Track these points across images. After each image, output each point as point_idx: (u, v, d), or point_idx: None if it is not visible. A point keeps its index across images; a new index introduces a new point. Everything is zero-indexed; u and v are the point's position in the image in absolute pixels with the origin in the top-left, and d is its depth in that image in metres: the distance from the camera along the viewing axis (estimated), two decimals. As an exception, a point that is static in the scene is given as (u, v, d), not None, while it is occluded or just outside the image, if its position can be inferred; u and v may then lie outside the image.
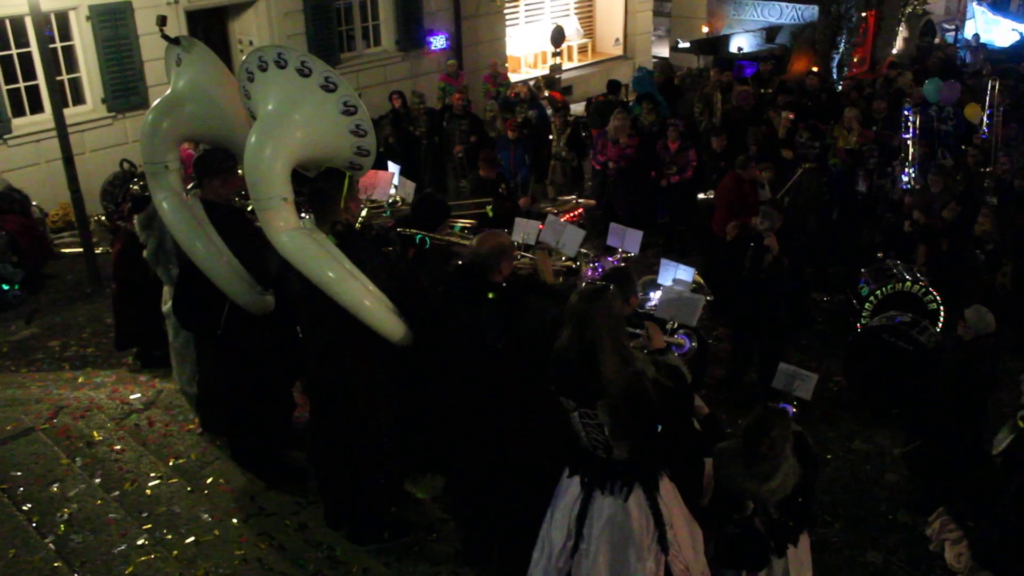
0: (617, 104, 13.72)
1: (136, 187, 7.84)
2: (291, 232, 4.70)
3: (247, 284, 5.46)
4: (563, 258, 7.02)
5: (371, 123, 4.99)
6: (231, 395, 5.86)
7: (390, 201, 7.33)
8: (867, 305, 9.03)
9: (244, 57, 4.92)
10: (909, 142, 11.52)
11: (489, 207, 8.21)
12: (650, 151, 11.55)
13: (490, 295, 4.72)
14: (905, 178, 11.12)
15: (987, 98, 12.44)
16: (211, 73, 5.52)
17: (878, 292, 9.00)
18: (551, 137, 12.70)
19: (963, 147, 12.16)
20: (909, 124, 11.77)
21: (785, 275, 7.92)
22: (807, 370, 5.86)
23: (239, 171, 5.54)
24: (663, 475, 4.39)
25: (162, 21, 5.62)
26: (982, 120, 12.35)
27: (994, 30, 22.21)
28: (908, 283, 8.96)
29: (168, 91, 5.64)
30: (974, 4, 23.22)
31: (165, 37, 5.50)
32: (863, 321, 9.00)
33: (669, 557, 4.32)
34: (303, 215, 5.20)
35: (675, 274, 7.60)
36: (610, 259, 7.78)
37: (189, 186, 5.88)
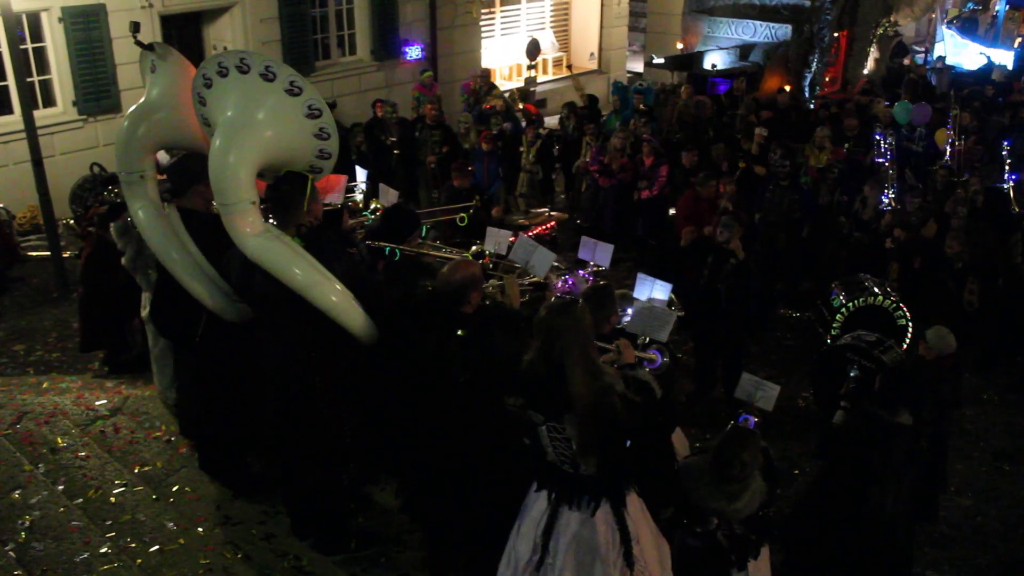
0: (592, 118, 13.82)
1: (112, 194, 7.78)
2: (259, 235, 4.69)
3: (223, 293, 5.42)
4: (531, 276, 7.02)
5: (335, 126, 4.98)
6: (208, 403, 5.81)
7: (373, 209, 7.33)
8: (838, 317, 9.13)
9: (203, 64, 4.88)
10: (886, 164, 11.69)
11: (461, 214, 8.21)
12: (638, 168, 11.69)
13: (460, 332, 4.73)
14: (885, 199, 11.30)
15: (950, 121, 12.68)
16: (185, 80, 5.48)
17: (850, 304, 9.10)
18: (521, 149, 12.76)
19: (931, 167, 12.35)
20: (883, 147, 11.96)
21: (750, 280, 7.99)
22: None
23: None
24: (630, 490, 4.40)
25: (135, 28, 5.58)
26: (947, 146, 12.58)
27: (962, 53, 22.54)
28: (880, 298, 9.07)
29: (143, 98, 5.60)
30: (943, 27, 23.56)
31: (139, 43, 5.45)
32: (833, 332, 9.10)
33: (635, 573, 4.33)
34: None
35: (652, 290, 7.62)
36: (581, 272, 7.79)
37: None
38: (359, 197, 7.96)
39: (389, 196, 7.84)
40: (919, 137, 12.74)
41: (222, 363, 5.61)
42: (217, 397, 5.71)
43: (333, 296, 4.77)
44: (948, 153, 12.47)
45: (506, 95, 15.79)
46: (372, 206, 7.27)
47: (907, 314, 8.94)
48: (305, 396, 4.97)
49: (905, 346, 8.66)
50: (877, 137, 12.14)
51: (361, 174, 8.63)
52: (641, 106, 13.94)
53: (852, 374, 6.42)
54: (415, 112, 14.40)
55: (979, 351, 9.27)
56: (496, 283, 5.91)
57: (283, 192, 4.85)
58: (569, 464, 4.29)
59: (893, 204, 11.11)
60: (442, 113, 13.37)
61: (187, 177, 5.48)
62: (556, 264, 7.49)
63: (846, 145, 12.02)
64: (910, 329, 8.92)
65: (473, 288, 4.79)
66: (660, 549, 4.51)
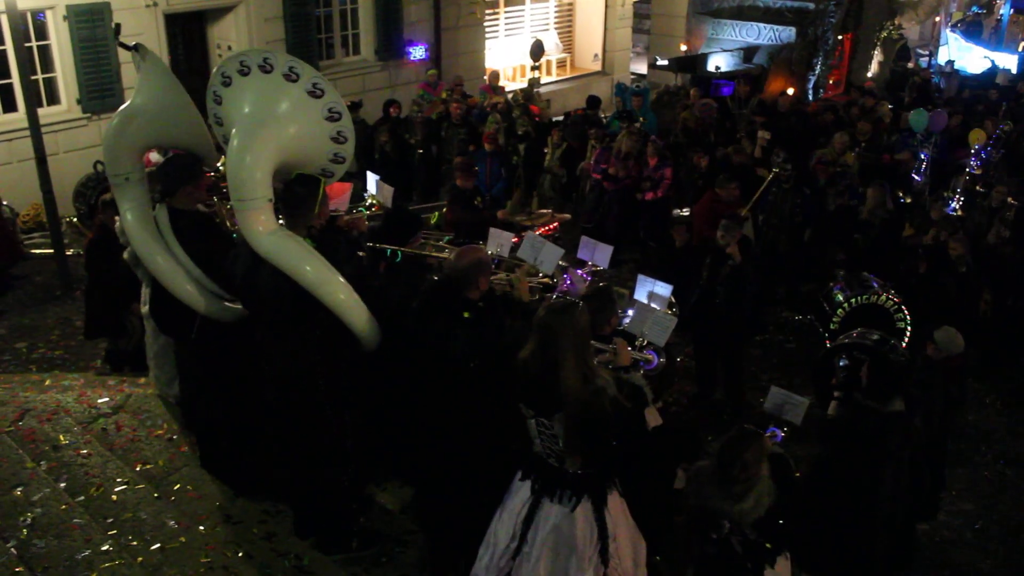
0: (595, 120, 13.80)
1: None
2: (273, 233, 4.70)
3: (211, 295, 5.42)
4: (540, 274, 7.02)
5: (353, 131, 5.00)
6: (206, 399, 5.81)
7: (369, 204, 7.32)
8: (839, 311, 9.12)
9: (222, 61, 4.90)
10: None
11: (435, 214, 8.10)
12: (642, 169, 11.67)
13: (465, 315, 4.73)
14: (953, 204, 11.56)
15: (997, 132, 12.80)
16: (165, 81, 5.47)
17: (853, 300, 9.08)
18: (546, 151, 12.75)
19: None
20: (924, 162, 12.24)
21: (747, 283, 7.99)
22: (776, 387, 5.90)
23: (207, 173, 5.57)
24: (613, 489, 4.46)
25: (117, 29, 5.58)
26: (979, 147, 12.61)
27: (966, 57, 22.52)
28: (882, 297, 9.04)
29: (129, 101, 5.60)
30: (947, 30, 23.55)
31: (122, 44, 5.49)
32: (832, 327, 9.09)
33: (608, 570, 4.38)
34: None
35: (651, 290, 7.61)
36: (579, 271, 7.79)
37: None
38: (370, 201, 7.95)
39: (384, 192, 7.82)
40: (935, 144, 12.72)
41: (218, 361, 5.61)
42: (215, 395, 5.71)
43: (341, 294, 4.78)
44: (975, 156, 12.52)
45: (509, 96, 15.81)
46: (369, 202, 7.26)
47: (907, 316, 8.92)
48: (308, 396, 4.97)
49: (903, 347, 8.65)
50: (923, 156, 12.31)
51: (371, 180, 8.60)
52: (642, 118, 13.91)
53: (841, 363, 6.43)
54: (416, 110, 14.40)
55: (981, 355, 9.26)
56: (504, 277, 5.91)
57: (297, 194, 4.86)
58: (555, 458, 4.35)
59: (959, 212, 11.26)
60: (470, 111, 13.33)
61: (177, 178, 5.44)
62: (560, 263, 7.50)
63: (856, 149, 12.02)
64: (908, 332, 8.92)
65: (480, 273, 4.80)
66: (636, 547, 4.57)
